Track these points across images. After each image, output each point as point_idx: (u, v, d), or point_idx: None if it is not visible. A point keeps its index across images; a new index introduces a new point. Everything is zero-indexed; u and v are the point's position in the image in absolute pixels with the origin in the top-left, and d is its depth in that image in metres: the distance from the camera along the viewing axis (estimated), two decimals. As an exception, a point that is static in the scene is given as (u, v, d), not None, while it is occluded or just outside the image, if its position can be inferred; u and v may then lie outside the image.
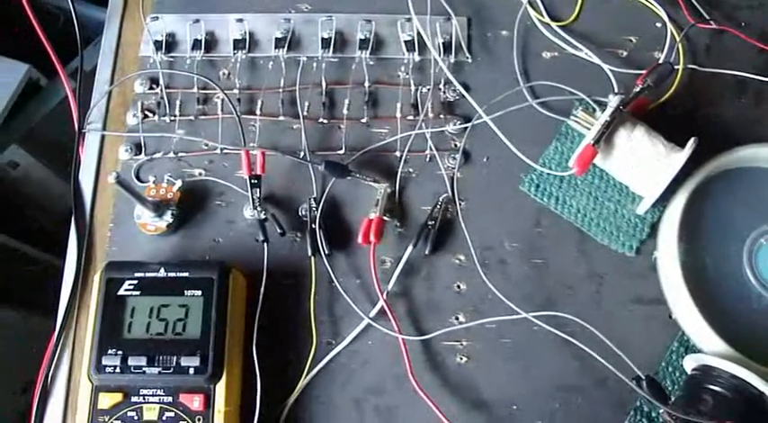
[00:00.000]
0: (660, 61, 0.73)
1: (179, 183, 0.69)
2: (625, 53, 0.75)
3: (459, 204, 0.69)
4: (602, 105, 0.68)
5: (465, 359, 0.65)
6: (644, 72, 0.68)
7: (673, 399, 0.60)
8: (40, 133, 1.21)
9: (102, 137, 0.74)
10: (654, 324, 0.67)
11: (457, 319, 0.66)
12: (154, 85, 0.74)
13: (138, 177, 0.71)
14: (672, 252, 0.65)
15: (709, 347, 0.63)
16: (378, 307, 0.65)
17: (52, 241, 1.30)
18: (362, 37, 0.75)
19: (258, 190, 0.67)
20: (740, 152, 0.67)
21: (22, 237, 1.24)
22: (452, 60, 0.74)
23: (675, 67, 0.71)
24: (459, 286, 0.67)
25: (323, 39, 0.75)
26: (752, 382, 0.57)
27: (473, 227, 0.68)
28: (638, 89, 0.66)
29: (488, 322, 0.65)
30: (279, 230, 0.66)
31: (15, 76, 1.17)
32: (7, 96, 1.15)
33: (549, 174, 0.70)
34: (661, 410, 0.57)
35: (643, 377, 0.59)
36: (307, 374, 0.64)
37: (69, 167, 1.07)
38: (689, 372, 0.63)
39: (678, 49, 0.74)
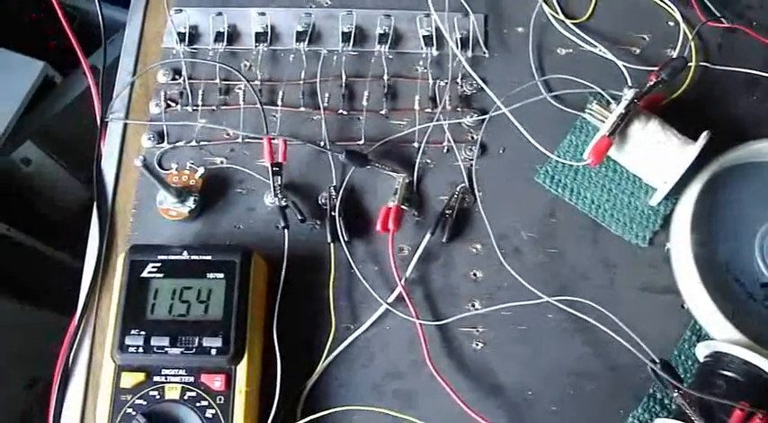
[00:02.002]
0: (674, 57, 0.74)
1: (201, 170, 0.71)
2: (638, 50, 0.77)
3: (476, 195, 0.70)
4: (616, 99, 0.69)
5: (481, 345, 0.66)
6: (656, 68, 0.69)
7: (686, 385, 0.61)
8: (54, 130, 1.23)
9: (125, 126, 0.75)
10: (666, 313, 0.68)
11: (473, 305, 0.67)
12: (177, 76, 0.76)
13: (160, 165, 0.72)
14: (685, 243, 0.66)
15: (721, 336, 0.64)
16: (396, 293, 0.66)
17: (63, 237, 1.31)
18: (382, 31, 0.76)
19: (279, 177, 0.68)
20: (752, 146, 0.69)
21: (33, 232, 1.25)
22: (469, 55, 0.76)
23: (689, 62, 0.73)
24: (475, 274, 0.68)
25: (343, 33, 0.76)
26: (764, 367, 0.58)
27: (489, 216, 0.69)
28: (652, 82, 0.68)
29: (504, 309, 0.66)
30: (299, 217, 0.68)
31: (31, 74, 1.19)
32: (23, 93, 1.17)
33: (563, 165, 0.71)
34: (675, 394, 0.58)
35: (658, 361, 0.59)
36: (326, 358, 0.65)
37: (82, 164, 1.09)
38: (701, 359, 0.64)
39: (690, 46, 0.75)
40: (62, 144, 1.22)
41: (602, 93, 0.70)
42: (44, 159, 1.23)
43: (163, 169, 0.72)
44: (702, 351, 0.63)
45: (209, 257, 0.63)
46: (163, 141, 0.73)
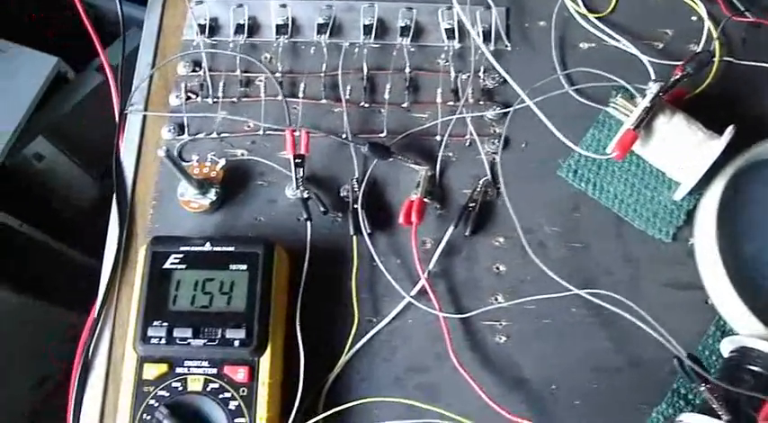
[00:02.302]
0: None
1: (223, 161, 0.70)
2: (661, 45, 0.77)
3: (498, 188, 0.70)
4: (640, 93, 0.69)
5: (504, 338, 0.66)
6: (681, 62, 0.69)
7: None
8: (66, 126, 1.22)
9: (144, 118, 0.75)
10: (690, 309, 0.67)
11: (496, 299, 0.67)
12: (197, 68, 0.76)
13: (180, 157, 0.72)
14: (710, 238, 0.65)
15: (747, 331, 0.64)
16: (419, 286, 0.66)
17: (74, 233, 1.30)
18: (403, 24, 0.76)
19: (302, 170, 0.68)
20: (777, 141, 0.68)
21: (45, 228, 1.25)
22: (491, 49, 0.75)
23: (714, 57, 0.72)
24: (498, 267, 0.68)
25: (364, 25, 0.76)
26: (792, 362, 0.57)
27: (513, 210, 0.69)
28: (677, 76, 0.67)
29: (527, 302, 0.65)
30: (322, 209, 0.67)
31: (44, 69, 1.18)
32: (36, 89, 1.17)
33: (586, 160, 0.71)
34: (702, 388, 0.58)
35: (684, 354, 0.59)
36: (348, 351, 0.64)
37: (94, 160, 1.09)
38: (726, 355, 0.63)
39: (714, 41, 0.75)
40: (74, 140, 1.22)
41: (628, 86, 0.70)
42: (56, 155, 1.23)
43: (183, 161, 0.72)
44: (727, 346, 0.63)
45: (231, 249, 0.63)
46: (183, 133, 0.73)
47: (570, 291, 0.63)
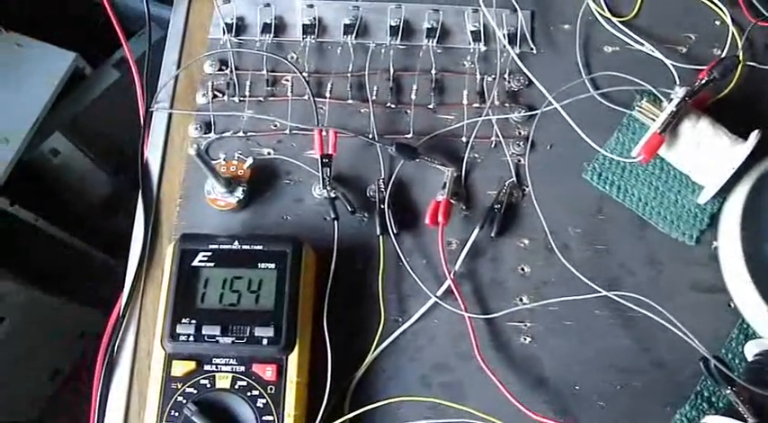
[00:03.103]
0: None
1: (250, 160, 0.71)
2: (684, 49, 0.77)
3: (523, 190, 0.70)
4: (664, 96, 0.69)
5: (529, 339, 0.66)
6: (706, 67, 0.70)
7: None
8: (83, 122, 1.23)
9: (170, 117, 0.75)
10: (713, 312, 0.68)
11: (521, 300, 0.67)
12: (223, 67, 0.76)
13: (207, 155, 0.72)
14: (734, 241, 0.66)
15: (769, 335, 0.64)
16: (445, 286, 0.66)
17: (89, 229, 1.31)
18: (429, 26, 0.77)
19: (329, 169, 0.68)
20: (800, 146, 0.69)
21: (60, 223, 1.25)
22: (517, 51, 0.76)
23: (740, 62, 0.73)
24: (523, 269, 0.68)
25: (391, 26, 0.76)
26: (817, 366, 0.58)
27: (537, 212, 0.69)
28: (704, 81, 0.68)
29: (552, 304, 0.66)
30: (349, 209, 0.68)
31: (63, 65, 1.19)
32: (54, 84, 1.17)
33: (611, 162, 0.71)
34: (728, 390, 0.58)
35: (711, 357, 0.60)
36: (375, 349, 0.65)
37: (110, 156, 1.09)
38: (750, 358, 0.64)
39: (738, 45, 0.75)
40: (90, 136, 1.22)
41: (654, 90, 0.70)
42: (72, 151, 1.23)
43: (210, 159, 0.72)
44: (752, 349, 0.63)
45: (259, 247, 0.63)
46: (210, 132, 0.73)
47: (597, 292, 0.64)
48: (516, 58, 0.73)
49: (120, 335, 0.67)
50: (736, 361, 0.66)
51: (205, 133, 0.73)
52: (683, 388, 0.65)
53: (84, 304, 1.34)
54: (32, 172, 1.18)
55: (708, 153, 0.67)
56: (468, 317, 0.65)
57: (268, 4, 0.77)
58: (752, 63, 0.76)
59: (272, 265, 0.63)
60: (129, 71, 0.77)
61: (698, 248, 0.70)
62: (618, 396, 0.65)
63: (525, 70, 0.73)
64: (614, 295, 0.64)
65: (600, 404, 0.65)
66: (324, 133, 0.69)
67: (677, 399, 0.65)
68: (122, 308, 0.68)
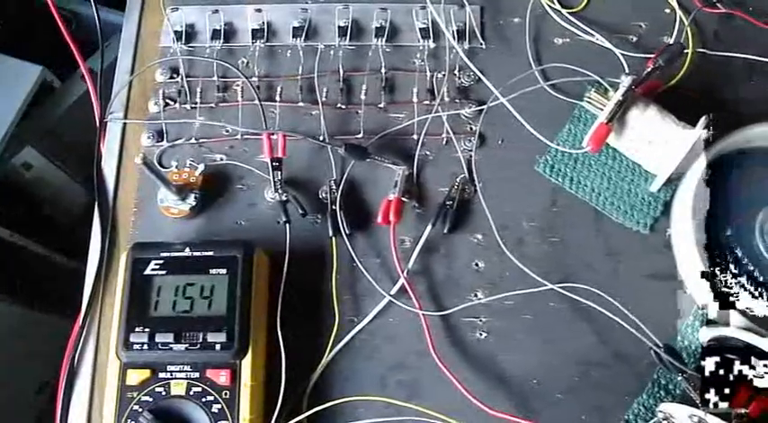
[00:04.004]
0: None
1: (201, 167, 0.71)
2: (635, 38, 0.77)
3: (476, 185, 0.70)
4: (614, 87, 0.69)
5: (485, 335, 0.66)
6: (654, 54, 0.69)
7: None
8: (54, 135, 1.23)
9: (124, 126, 0.76)
10: (670, 299, 0.68)
11: (476, 295, 0.67)
12: (174, 75, 0.76)
13: (160, 163, 0.73)
14: (686, 228, 0.66)
15: (723, 320, 0.64)
16: (399, 284, 0.66)
17: (67, 241, 1.31)
18: (378, 25, 0.77)
19: (279, 172, 0.68)
20: (750, 131, 0.69)
21: (36, 237, 1.25)
22: (466, 47, 0.76)
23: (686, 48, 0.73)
24: (477, 264, 0.68)
25: (339, 27, 0.77)
26: (766, 349, 0.58)
27: (490, 207, 0.69)
28: (649, 69, 0.68)
29: (507, 298, 0.66)
30: (300, 211, 0.68)
31: (29, 78, 1.19)
32: (21, 98, 1.17)
33: (563, 154, 0.71)
34: (679, 378, 0.58)
35: (661, 345, 0.60)
36: (330, 351, 0.65)
37: (83, 168, 1.09)
38: (704, 344, 0.64)
39: (687, 33, 0.75)
40: (63, 148, 1.22)
41: (601, 80, 0.70)
42: (45, 164, 1.23)
43: (163, 167, 0.72)
44: (706, 335, 0.63)
45: (211, 253, 0.63)
46: (162, 140, 0.73)
47: (544, 285, 0.64)
48: (462, 53, 0.73)
49: (80, 346, 0.67)
50: (692, 347, 0.66)
51: (158, 142, 0.73)
52: (643, 377, 0.65)
53: (68, 316, 1.34)
54: (5, 187, 1.18)
55: (656, 141, 0.67)
56: (423, 314, 0.65)
57: (216, 11, 0.78)
58: (702, 50, 0.76)
59: (224, 271, 0.63)
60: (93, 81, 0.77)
61: (653, 237, 0.70)
62: (577, 388, 0.65)
63: (471, 66, 0.73)
64: (560, 287, 0.64)
65: (559, 397, 0.65)
66: (273, 137, 0.69)
67: (637, 388, 0.65)
68: (81, 319, 0.68)
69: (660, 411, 0.61)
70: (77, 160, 1.25)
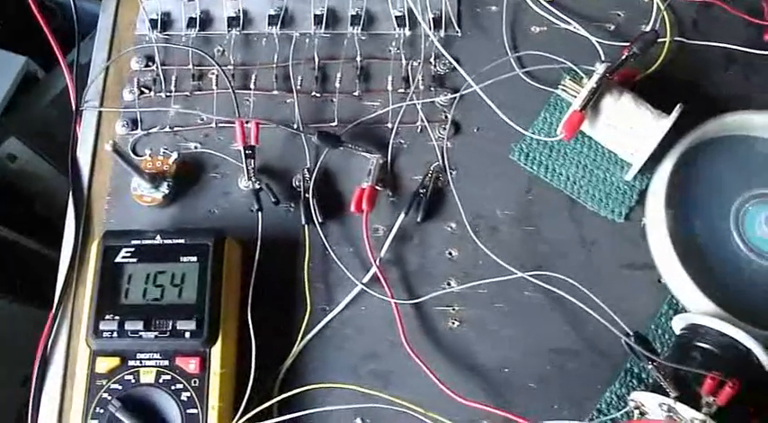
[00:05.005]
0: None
1: (175, 155, 0.71)
2: (613, 27, 0.77)
3: (451, 173, 0.70)
4: (590, 74, 0.69)
5: (457, 323, 0.66)
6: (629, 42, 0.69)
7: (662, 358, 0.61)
8: (38, 126, 1.22)
9: (100, 114, 0.75)
10: (644, 288, 0.67)
11: (449, 284, 0.67)
12: (150, 63, 0.76)
13: (134, 152, 0.72)
14: (659, 217, 0.66)
15: (697, 309, 0.64)
16: (371, 273, 0.66)
17: (52, 233, 1.30)
18: (354, 13, 0.76)
19: (253, 160, 0.68)
20: (726, 119, 0.69)
21: (22, 229, 1.25)
22: (443, 35, 0.75)
23: (663, 38, 0.72)
24: (450, 253, 0.68)
25: (315, 15, 0.76)
26: (739, 338, 0.58)
27: (464, 195, 0.69)
28: (624, 56, 0.67)
29: (480, 286, 0.66)
30: (273, 199, 0.67)
31: (13, 69, 1.18)
32: (5, 89, 1.16)
33: (538, 143, 0.71)
34: (650, 366, 0.58)
35: (631, 333, 0.59)
36: (302, 339, 0.65)
37: (67, 159, 1.08)
38: (678, 332, 0.64)
39: (665, 20, 0.75)
40: (47, 139, 1.22)
41: (575, 68, 0.70)
42: (29, 155, 1.23)
43: (137, 156, 0.72)
44: (678, 324, 0.63)
45: (181, 241, 0.63)
46: (137, 128, 0.73)
47: (514, 274, 0.63)
48: (437, 42, 0.73)
49: (53, 335, 0.67)
50: (666, 336, 0.66)
51: (132, 130, 0.73)
52: (616, 366, 0.65)
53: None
54: (-11, 179, 1.18)
55: (631, 129, 0.67)
56: (395, 303, 0.64)
57: (192, -1, 0.77)
58: (680, 38, 0.75)
59: (195, 259, 0.63)
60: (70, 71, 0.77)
61: (628, 226, 0.69)
62: (550, 377, 0.65)
63: (445, 54, 0.73)
64: (530, 275, 0.64)
65: (531, 385, 0.65)
66: (247, 125, 0.68)
67: (610, 377, 0.65)
68: (54, 309, 0.68)
69: (631, 400, 0.61)
70: (62, 151, 1.24)
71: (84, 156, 0.74)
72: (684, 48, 0.75)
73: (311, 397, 0.63)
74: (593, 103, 0.66)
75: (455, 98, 0.72)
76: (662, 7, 0.75)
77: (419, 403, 0.60)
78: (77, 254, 0.70)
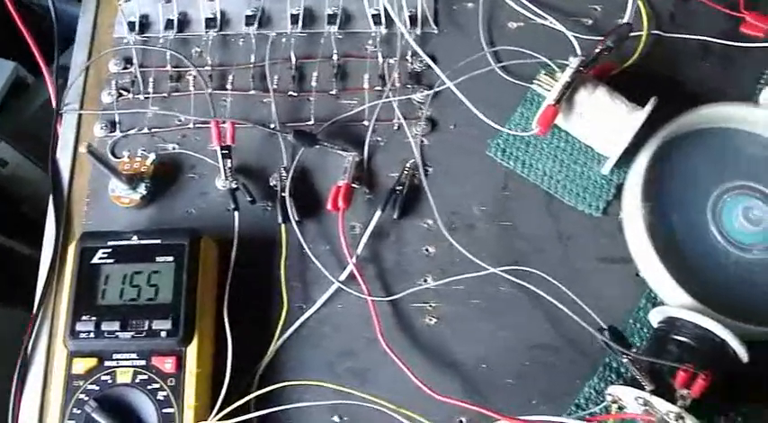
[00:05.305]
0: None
1: (152, 156, 0.71)
2: (590, 21, 0.77)
3: (427, 170, 0.70)
4: (564, 69, 0.69)
5: (434, 320, 0.66)
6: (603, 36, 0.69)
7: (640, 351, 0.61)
8: (28, 131, 1.23)
9: (80, 117, 0.76)
10: (622, 282, 0.67)
11: (425, 281, 0.67)
12: (128, 65, 0.76)
13: (113, 153, 0.73)
14: (636, 210, 0.65)
15: (675, 303, 0.64)
16: (347, 271, 0.66)
17: (42, 237, 1.31)
18: (331, 12, 0.76)
19: (229, 160, 0.68)
20: (702, 111, 0.68)
21: (12, 233, 1.25)
22: (419, 32, 0.75)
23: (640, 31, 0.73)
24: (427, 249, 0.68)
25: (292, 15, 0.76)
26: (715, 330, 0.58)
27: (441, 191, 0.69)
28: (597, 50, 0.67)
29: (456, 282, 0.66)
30: (248, 199, 0.68)
31: (2, 74, 1.19)
32: (-6, 95, 1.17)
33: (515, 138, 0.71)
34: (625, 360, 0.58)
35: (606, 327, 0.59)
36: (279, 338, 0.65)
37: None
38: (655, 325, 0.63)
39: (641, 13, 0.75)
40: (36, 143, 1.22)
41: (549, 62, 0.70)
42: (21, 160, 1.23)
43: (116, 157, 0.72)
44: (656, 317, 0.63)
45: (157, 241, 0.64)
46: (115, 130, 0.73)
47: (485, 270, 0.63)
48: (411, 40, 0.73)
49: (33, 337, 0.67)
50: (644, 330, 0.65)
51: (111, 132, 0.73)
52: (595, 361, 0.65)
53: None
54: (-20, 185, 1.18)
55: (606, 122, 0.66)
56: (372, 301, 0.64)
57: (169, 0, 0.77)
58: (657, 32, 0.75)
59: (171, 259, 0.63)
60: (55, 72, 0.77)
61: (605, 220, 0.69)
62: (528, 373, 0.65)
63: (420, 51, 0.73)
64: (502, 270, 0.64)
65: (509, 382, 0.64)
66: (223, 125, 0.68)
67: (588, 372, 0.64)
68: (35, 310, 0.68)
69: (609, 394, 0.60)
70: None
71: (64, 158, 0.74)
72: (662, 41, 0.75)
73: (288, 395, 0.63)
74: (567, 97, 0.66)
75: (431, 95, 0.72)
76: (642, 7, 0.74)
77: (396, 400, 0.60)
78: (58, 256, 0.70)
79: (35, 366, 0.67)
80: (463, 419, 0.62)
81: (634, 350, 0.59)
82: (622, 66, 0.73)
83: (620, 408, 0.60)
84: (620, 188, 0.70)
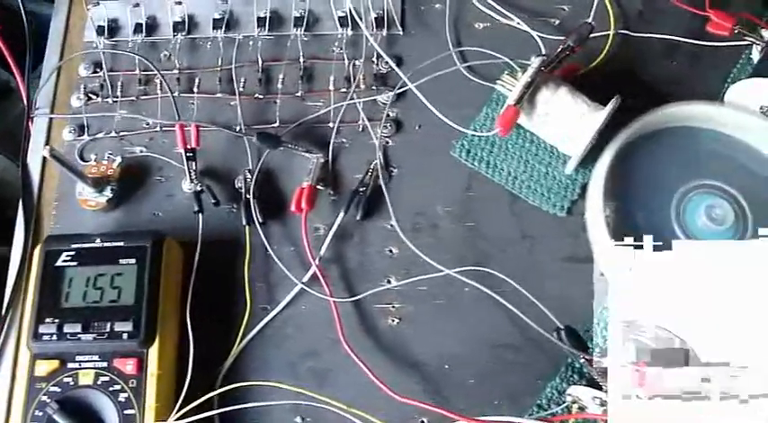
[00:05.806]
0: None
1: (119, 159, 0.71)
2: (557, 21, 0.77)
3: (392, 171, 0.71)
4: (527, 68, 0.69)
5: (397, 321, 0.66)
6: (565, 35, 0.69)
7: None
8: (14, 135, 1.23)
9: (50, 121, 0.76)
10: (586, 282, 0.66)
11: (389, 281, 0.67)
12: (97, 69, 0.76)
13: (81, 157, 0.73)
14: (597, 210, 0.65)
15: (637, 302, 0.63)
16: (310, 272, 0.66)
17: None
18: (297, 15, 0.77)
19: (194, 163, 0.69)
20: (667, 110, 0.68)
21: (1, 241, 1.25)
22: (385, 34, 0.76)
23: (607, 30, 0.73)
24: (391, 250, 0.68)
25: (259, 18, 0.77)
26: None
27: (406, 192, 0.69)
28: (559, 49, 0.67)
29: (419, 282, 0.66)
30: (213, 201, 0.68)
31: (-16, 78, 1.19)
32: (-24, 98, 1.17)
33: (479, 139, 0.71)
34: (582, 360, 0.58)
35: (562, 328, 0.59)
36: (242, 339, 0.65)
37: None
38: (618, 326, 0.63)
39: (609, 13, 0.75)
40: (19, 147, 1.22)
41: (510, 62, 0.70)
42: (6, 164, 1.23)
43: (84, 161, 0.73)
44: (616, 317, 0.63)
45: (120, 244, 0.64)
46: (83, 134, 0.74)
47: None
48: (373, 41, 0.73)
49: (1, 340, 0.68)
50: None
51: (79, 136, 0.74)
52: (557, 361, 0.65)
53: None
54: (-38, 190, 1.19)
55: (568, 121, 0.66)
56: (334, 302, 0.64)
57: (138, 4, 0.78)
58: (624, 31, 0.75)
59: (133, 261, 0.63)
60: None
61: (570, 220, 0.69)
62: (490, 373, 0.65)
63: (382, 53, 0.73)
64: (456, 272, 0.64)
65: (472, 382, 0.64)
66: (187, 128, 0.69)
67: (550, 372, 0.64)
68: (4, 313, 0.68)
69: (569, 395, 0.61)
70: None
71: (34, 162, 0.74)
72: (629, 40, 0.75)
73: (252, 395, 0.63)
74: (530, 97, 0.66)
75: (396, 96, 0.72)
76: (608, 6, 0.74)
77: (357, 401, 0.60)
78: (27, 258, 0.70)
79: (2, 369, 0.67)
80: (425, 420, 0.62)
81: (598, 350, 0.58)
82: (589, 65, 0.73)
83: (581, 408, 0.60)
84: (584, 188, 0.69)
